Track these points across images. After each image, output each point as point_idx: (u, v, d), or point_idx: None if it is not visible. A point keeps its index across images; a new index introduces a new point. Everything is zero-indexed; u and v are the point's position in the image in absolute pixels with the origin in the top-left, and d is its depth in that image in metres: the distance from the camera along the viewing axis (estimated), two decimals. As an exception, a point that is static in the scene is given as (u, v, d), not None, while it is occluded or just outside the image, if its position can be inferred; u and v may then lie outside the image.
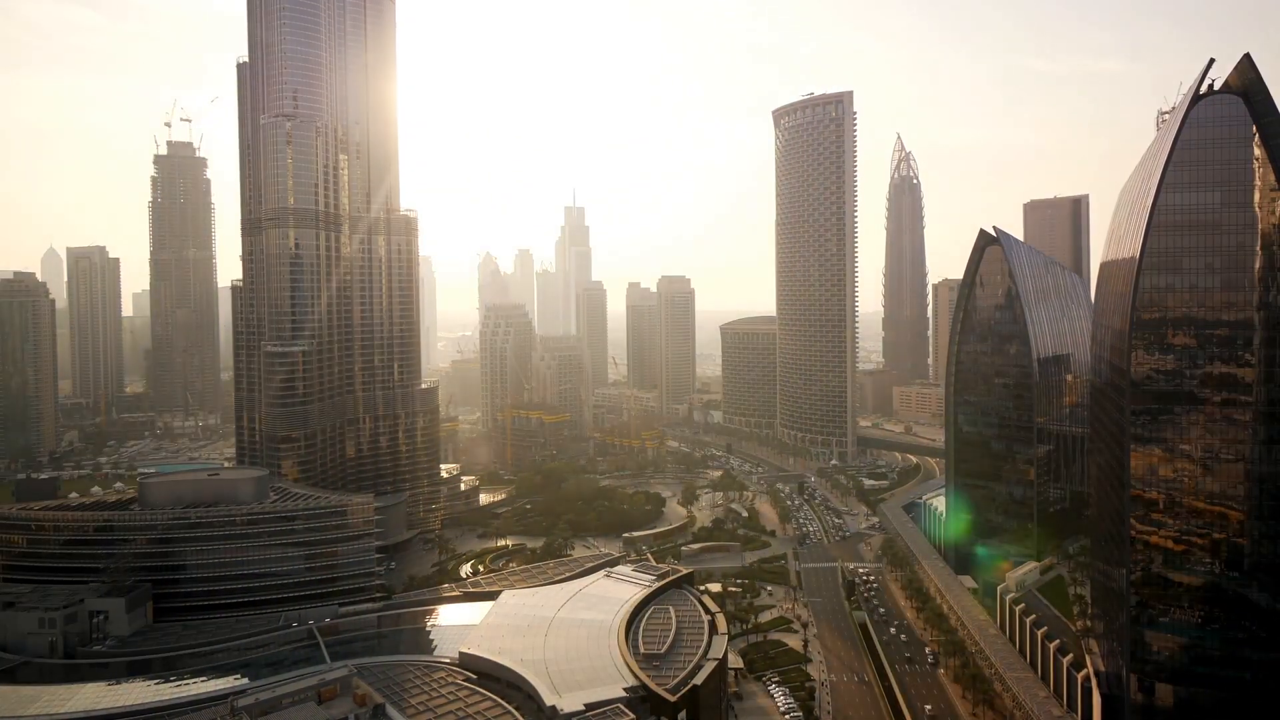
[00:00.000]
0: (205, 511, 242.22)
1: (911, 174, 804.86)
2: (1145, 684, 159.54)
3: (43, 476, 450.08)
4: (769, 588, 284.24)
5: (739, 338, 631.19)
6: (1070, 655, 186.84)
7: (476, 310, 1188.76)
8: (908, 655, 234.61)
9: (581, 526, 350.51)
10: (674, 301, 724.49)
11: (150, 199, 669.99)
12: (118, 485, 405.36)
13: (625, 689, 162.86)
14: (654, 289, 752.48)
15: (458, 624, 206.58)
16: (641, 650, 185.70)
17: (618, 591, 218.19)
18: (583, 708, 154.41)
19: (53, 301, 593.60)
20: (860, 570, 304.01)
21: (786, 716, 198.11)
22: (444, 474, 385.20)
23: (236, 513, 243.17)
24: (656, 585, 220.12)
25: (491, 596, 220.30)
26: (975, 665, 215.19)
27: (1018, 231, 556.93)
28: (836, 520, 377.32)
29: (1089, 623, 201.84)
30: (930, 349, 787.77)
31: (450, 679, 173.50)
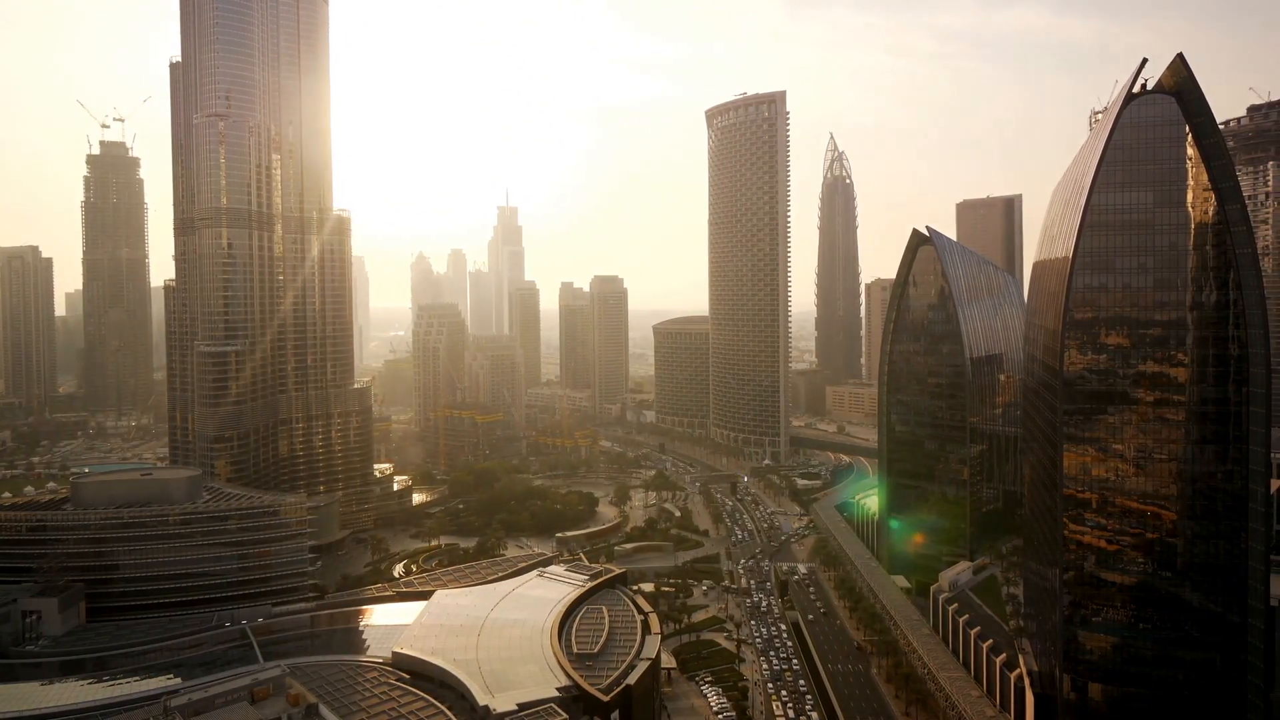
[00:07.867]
0: (138, 511, 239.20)
1: (844, 174, 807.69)
2: (1078, 683, 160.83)
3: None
4: (704, 586, 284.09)
5: (672, 337, 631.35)
6: (1003, 655, 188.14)
7: (410, 310, 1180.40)
8: (841, 655, 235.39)
9: (515, 526, 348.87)
10: (607, 301, 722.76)
11: (83, 198, 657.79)
12: (50, 485, 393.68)
13: (558, 689, 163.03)
14: (587, 288, 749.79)
15: (391, 624, 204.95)
16: (574, 650, 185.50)
17: (551, 591, 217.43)
18: (515, 708, 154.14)
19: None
20: (794, 570, 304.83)
21: (719, 716, 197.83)
22: (377, 474, 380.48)
23: (170, 513, 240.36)
24: (589, 585, 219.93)
25: (424, 596, 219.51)
26: (909, 665, 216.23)
27: (951, 231, 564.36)
28: (770, 520, 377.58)
29: (1022, 622, 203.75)
30: (863, 348, 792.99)
31: (383, 679, 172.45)
